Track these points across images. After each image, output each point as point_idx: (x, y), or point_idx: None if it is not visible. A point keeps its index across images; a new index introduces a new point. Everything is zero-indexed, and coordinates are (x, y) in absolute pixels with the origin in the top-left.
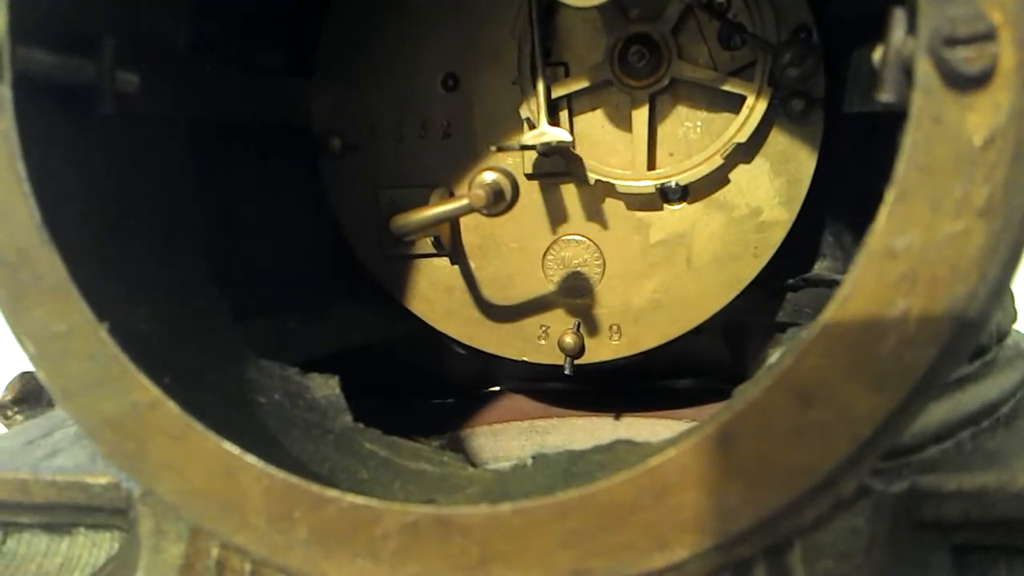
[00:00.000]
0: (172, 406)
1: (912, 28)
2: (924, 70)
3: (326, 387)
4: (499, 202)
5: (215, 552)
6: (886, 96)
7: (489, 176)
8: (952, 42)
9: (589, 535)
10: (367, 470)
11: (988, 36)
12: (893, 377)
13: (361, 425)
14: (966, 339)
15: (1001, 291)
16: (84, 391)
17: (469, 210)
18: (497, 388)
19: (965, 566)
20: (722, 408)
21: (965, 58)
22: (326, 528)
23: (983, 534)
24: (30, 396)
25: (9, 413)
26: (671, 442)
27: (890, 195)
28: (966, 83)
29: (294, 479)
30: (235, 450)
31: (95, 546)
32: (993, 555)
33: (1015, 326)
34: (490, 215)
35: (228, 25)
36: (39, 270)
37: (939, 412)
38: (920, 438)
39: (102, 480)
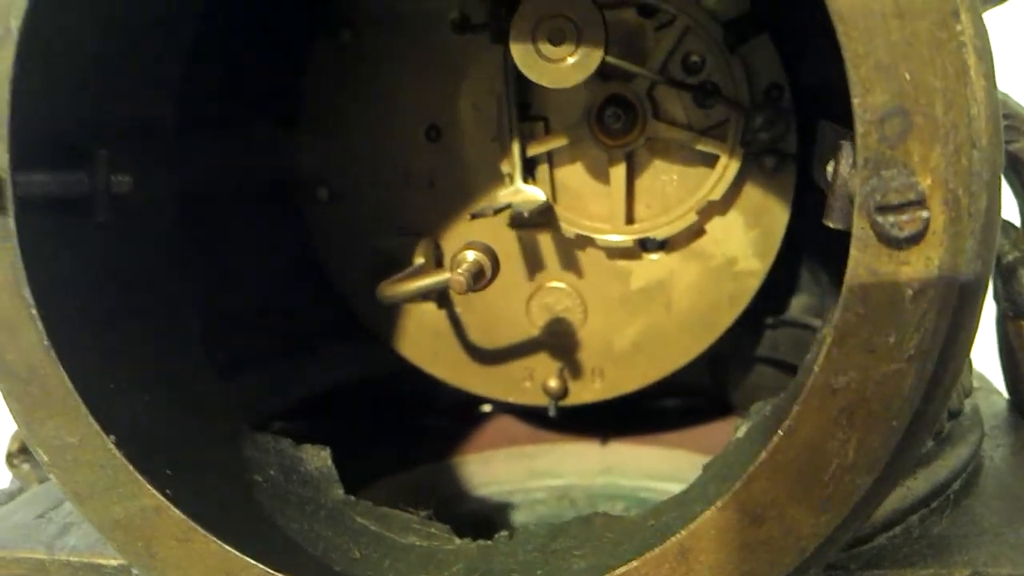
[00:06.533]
0: (176, 512)
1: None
2: (860, 227)
3: (318, 459)
4: (479, 280)
5: None
6: (833, 223)
7: (470, 255)
8: (885, 209)
9: None
10: (359, 548)
11: (919, 203)
12: (835, 500)
13: (352, 498)
14: (901, 463)
15: (933, 422)
16: (95, 496)
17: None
18: (488, 408)
19: None
20: (682, 529)
21: (897, 223)
22: None
23: None
24: None
25: (16, 462)
26: (637, 551)
27: (828, 338)
28: (899, 242)
29: None
30: (236, 552)
31: None
32: None
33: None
34: (472, 292)
35: (212, 93)
36: (48, 386)
37: (890, 501)
38: (869, 529)
39: (114, 562)
